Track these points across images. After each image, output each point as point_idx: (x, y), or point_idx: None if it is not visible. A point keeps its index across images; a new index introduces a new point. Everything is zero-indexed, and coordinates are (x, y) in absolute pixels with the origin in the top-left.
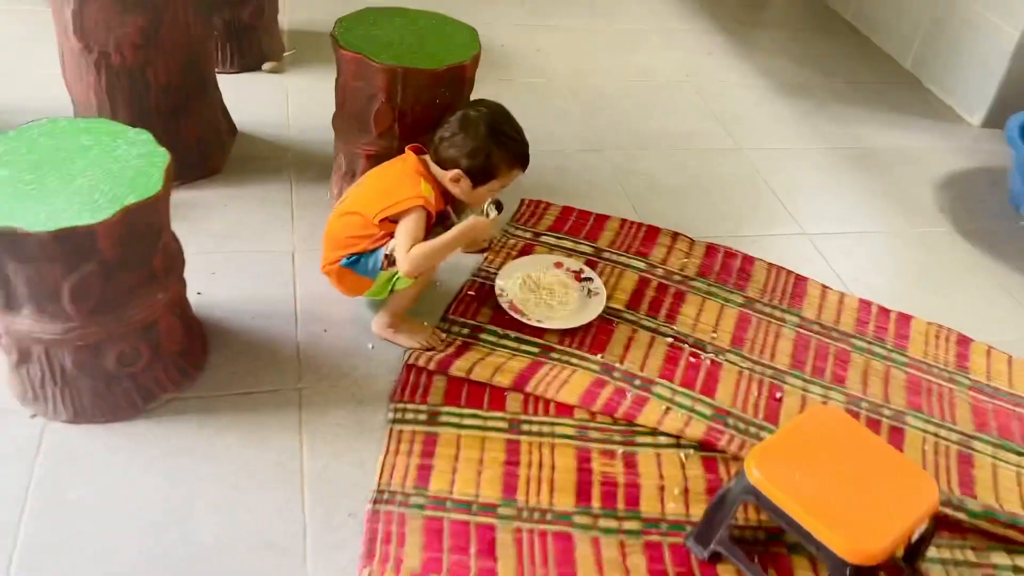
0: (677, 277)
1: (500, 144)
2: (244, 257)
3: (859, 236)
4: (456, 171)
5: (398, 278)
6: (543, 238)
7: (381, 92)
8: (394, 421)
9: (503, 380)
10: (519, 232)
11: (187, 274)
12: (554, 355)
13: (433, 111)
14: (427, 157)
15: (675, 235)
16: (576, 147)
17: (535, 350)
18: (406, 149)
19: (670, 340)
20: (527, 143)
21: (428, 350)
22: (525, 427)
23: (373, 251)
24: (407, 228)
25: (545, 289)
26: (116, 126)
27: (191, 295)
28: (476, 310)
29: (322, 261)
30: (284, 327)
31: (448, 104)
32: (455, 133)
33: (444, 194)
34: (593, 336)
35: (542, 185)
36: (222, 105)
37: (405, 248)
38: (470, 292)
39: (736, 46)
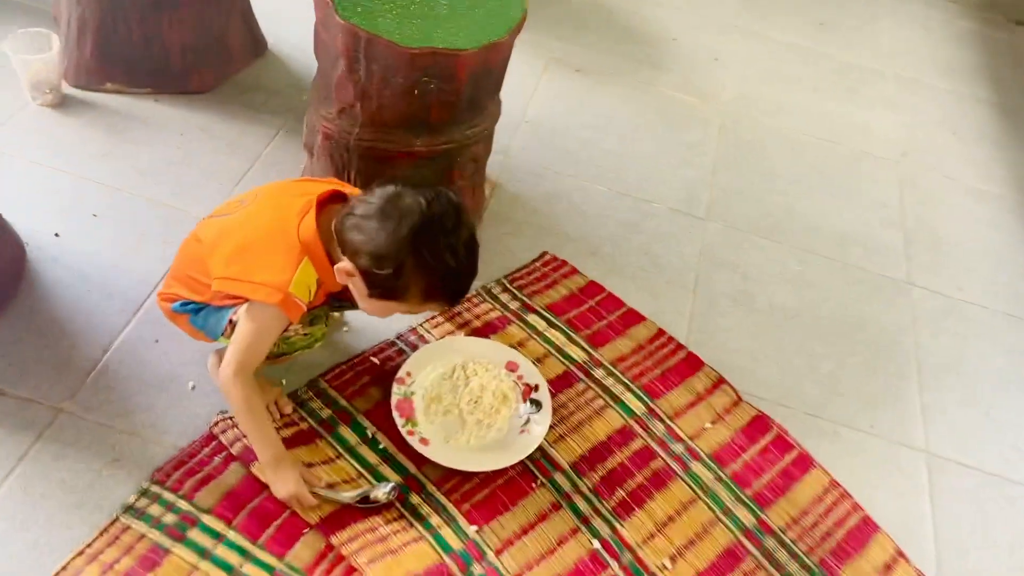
0: (679, 447)
1: (420, 263)
2: (145, 207)
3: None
4: (349, 265)
5: None
6: (531, 318)
7: (341, 57)
8: (129, 509)
9: (310, 513)
10: (503, 296)
11: (64, 206)
12: (412, 499)
13: (411, 104)
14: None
15: (719, 382)
16: (672, 203)
17: (395, 479)
18: (316, 197)
19: (596, 545)
20: (465, 275)
21: None
22: None
23: (218, 309)
24: (245, 334)
25: (471, 394)
26: None
27: (47, 235)
28: (362, 389)
29: (162, 285)
30: (112, 316)
31: (437, 100)
32: (368, 215)
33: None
34: (491, 493)
35: (587, 239)
36: (245, 12)
37: (232, 363)
38: (373, 358)
39: (1004, 131)
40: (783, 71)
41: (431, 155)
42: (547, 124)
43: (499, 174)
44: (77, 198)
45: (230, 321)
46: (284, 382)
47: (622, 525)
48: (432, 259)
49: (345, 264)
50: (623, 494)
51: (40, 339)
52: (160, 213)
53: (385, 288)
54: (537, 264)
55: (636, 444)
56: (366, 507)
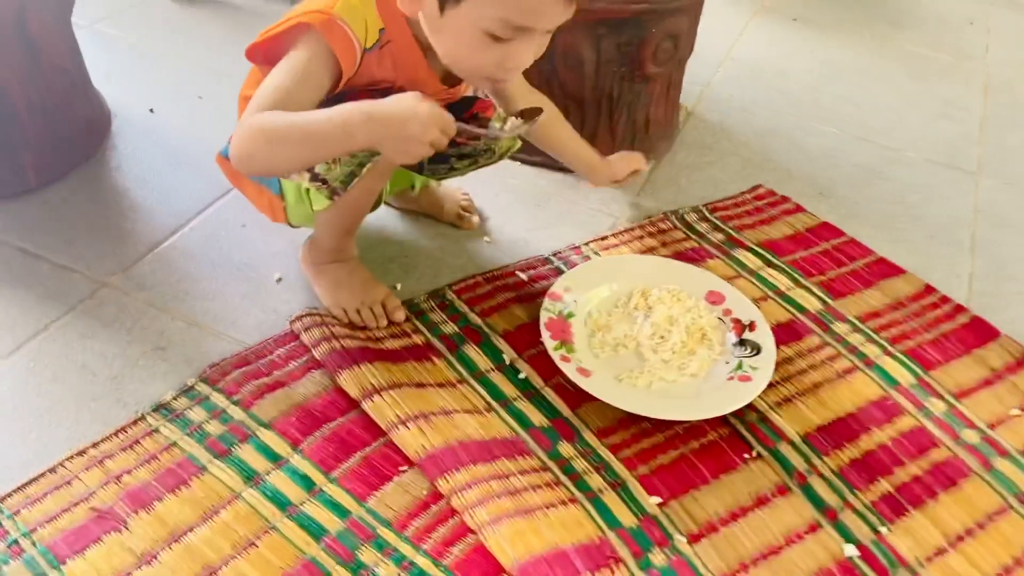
0: (972, 435)
1: None
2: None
3: None
4: None
5: (307, 191)
6: (739, 253)
7: None
8: (161, 408)
9: (409, 443)
10: (700, 224)
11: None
12: (563, 450)
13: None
14: None
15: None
16: (929, 155)
17: (539, 423)
18: None
19: (851, 552)
20: None
21: (347, 326)
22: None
23: None
24: (272, 75)
25: (654, 328)
26: None
27: (141, 110)
28: (501, 305)
29: None
30: (196, 195)
31: None
32: None
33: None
34: (679, 457)
35: (815, 178)
36: None
37: (251, 107)
38: (520, 273)
39: None
40: None
41: (618, 18)
42: (758, 64)
43: (695, 104)
44: (183, 80)
45: None
46: (399, 286)
47: (890, 530)
48: None
49: None
50: (889, 487)
51: (102, 208)
52: None
53: None
54: (748, 196)
55: (904, 423)
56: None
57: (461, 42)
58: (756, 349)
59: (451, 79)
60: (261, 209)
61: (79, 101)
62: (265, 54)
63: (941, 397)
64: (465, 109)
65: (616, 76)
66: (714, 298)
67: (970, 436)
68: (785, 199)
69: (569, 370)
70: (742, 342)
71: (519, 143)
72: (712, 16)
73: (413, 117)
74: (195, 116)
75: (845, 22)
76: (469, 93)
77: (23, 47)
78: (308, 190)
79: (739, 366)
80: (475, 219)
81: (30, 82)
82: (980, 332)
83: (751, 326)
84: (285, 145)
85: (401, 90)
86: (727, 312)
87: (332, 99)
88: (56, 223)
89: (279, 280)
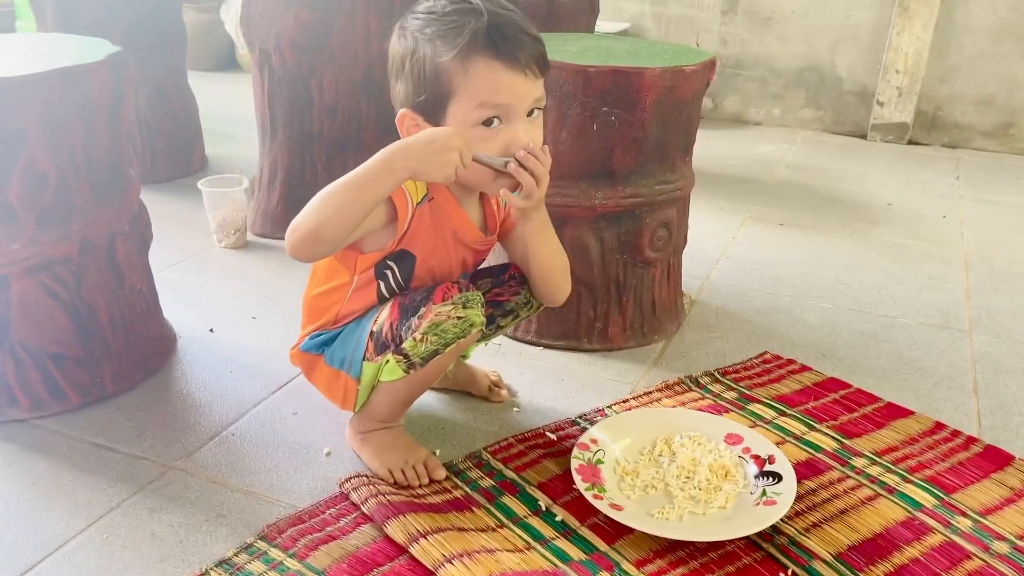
0: (1003, 547)
1: (428, 24)
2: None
3: None
4: (400, 112)
5: (387, 363)
6: (754, 407)
7: None
8: (223, 564)
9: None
10: (714, 386)
11: (224, 311)
12: None
13: (590, 144)
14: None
15: None
16: (922, 319)
17: (578, 557)
18: None
19: None
20: (490, 12)
21: (393, 484)
22: None
23: (355, 326)
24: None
25: (679, 470)
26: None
27: (203, 330)
28: (533, 461)
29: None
30: (252, 392)
31: (619, 138)
32: (389, 60)
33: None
34: None
35: (817, 344)
36: None
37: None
38: (550, 434)
39: None
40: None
41: (615, 211)
42: (751, 258)
43: (698, 293)
44: (239, 306)
45: (371, 334)
46: (438, 452)
47: None
48: (432, 14)
49: (399, 115)
50: None
51: (169, 407)
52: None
53: (428, 90)
54: (756, 361)
55: (933, 539)
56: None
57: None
58: (778, 477)
59: (488, 226)
60: (332, 397)
61: (152, 321)
62: None
63: (966, 515)
64: (503, 272)
65: (620, 262)
66: (733, 440)
67: (1001, 547)
68: (791, 361)
69: (603, 506)
70: (763, 473)
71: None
72: (705, 223)
73: (438, 135)
74: (250, 333)
75: (827, 224)
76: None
77: (111, 271)
78: (383, 364)
79: (763, 493)
80: (504, 392)
81: (114, 302)
82: (996, 458)
83: (770, 459)
84: (334, 197)
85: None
86: (746, 450)
87: (391, 256)
88: (128, 421)
89: (328, 454)
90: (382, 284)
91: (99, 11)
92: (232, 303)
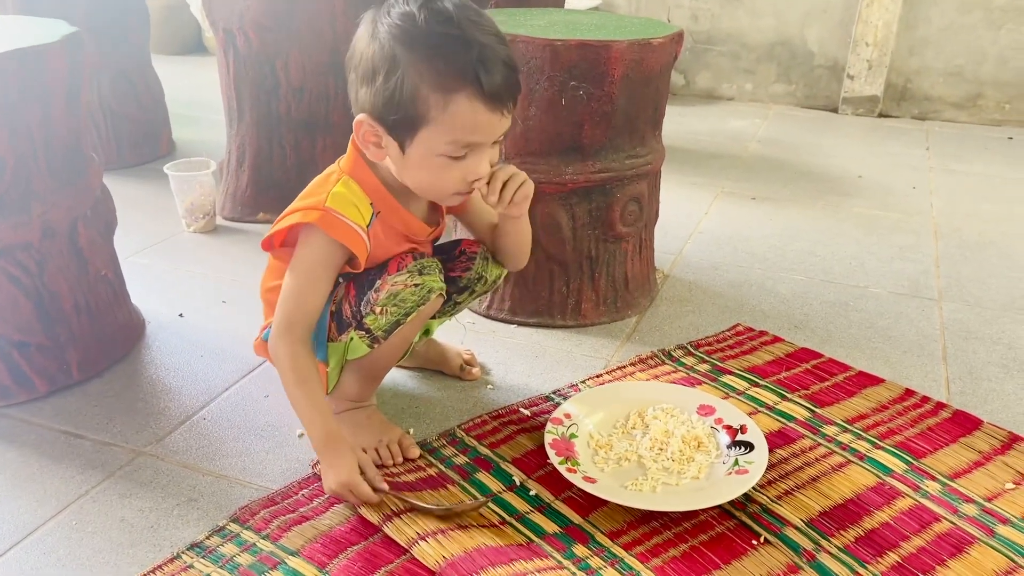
0: (971, 508)
1: (406, 41)
2: None
3: None
4: (360, 117)
5: (351, 341)
6: (726, 378)
7: None
8: (195, 547)
9: (429, 556)
10: (687, 359)
11: (194, 295)
12: (577, 550)
13: (558, 119)
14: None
15: (1012, 440)
16: (892, 289)
17: (552, 531)
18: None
19: None
20: (470, 38)
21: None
22: None
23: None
24: (289, 280)
25: (652, 441)
26: None
27: (172, 315)
28: (507, 438)
29: None
30: (222, 376)
31: (588, 113)
32: (351, 54)
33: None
34: (690, 549)
35: (789, 315)
36: None
37: (278, 321)
38: (523, 410)
39: None
40: (1001, 193)
41: (586, 186)
42: (724, 233)
43: (671, 268)
44: (208, 290)
45: (331, 316)
46: (411, 431)
47: None
48: (435, 36)
49: (357, 119)
50: (897, 558)
51: (138, 392)
52: None
53: (400, 111)
54: (728, 333)
55: (903, 503)
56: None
57: (426, 170)
58: (750, 447)
59: (432, 218)
60: None
61: (119, 307)
62: (279, 243)
63: (935, 479)
64: (453, 248)
65: (592, 238)
66: (705, 411)
67: (969, 509)
68: (763, 332)
69: (576, 480)
70: (735, 443)
71: (506, 270)
72: (678, 199)
73: (336, 479)
74: (220, 318)
75: (799, 197)
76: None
77: (74, 257)
78: (348, 342)
79: (735, 463)
80: (476, 370)
81: (78, 288)
82: (964, 423)
83: (742, 429)
84: (290, 394)
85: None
86: (718, 421)
87: (357, 275)
88: (96, 408)
89: (300, 435)
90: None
91: None
92: (202, 288)
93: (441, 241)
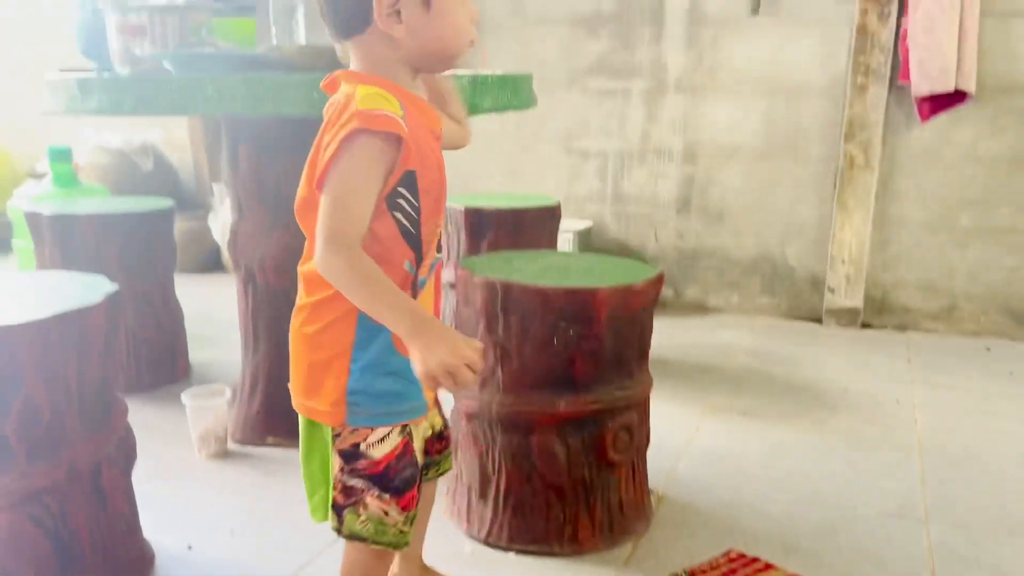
0: None
1: None
2: (288, 529)
3: None
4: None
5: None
6: None
7: (480, 318)
8: None
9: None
10: None
11: (202, 526)
12: None
13: (552, 356)
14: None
15: None
16: (880, 509)
17: None
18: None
19: None
20: None
21: None
22: None
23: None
24: (333, 187)
25: None
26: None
27: (181, 548)
28: None
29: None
30: None
31: (579, 351)
32: None
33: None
34: None
35: (781, 537)
36: None
37: (323, 234)
38: None
39: None
40: (983, 407)
41: (579, 417)
42: (715, 451)
43: (665, 487)
44: (217, 520)
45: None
46: None
47: None
48: None
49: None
50: None
51: None
52: (301, 533)
53: None
54: (722, 560)
55: None
56: None
57: (451, 15)
58: None
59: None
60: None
61: (131, 541)
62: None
63: None
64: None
65: (586, 465)
66: None
67: None
68: (756, 559)
69: None
70: None
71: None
72: (670, 415)
73: (436, 359)
74: (228, 550)
75: (786, 412)
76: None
77: (95, 496)
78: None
79: None
80: None
81: (96, 526)
82: None
83: None
84: (361, 297)
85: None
86: None
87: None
88: None
89: None
90: (399, 215)
91: (94, 231)
92: (211, 517)
93: None
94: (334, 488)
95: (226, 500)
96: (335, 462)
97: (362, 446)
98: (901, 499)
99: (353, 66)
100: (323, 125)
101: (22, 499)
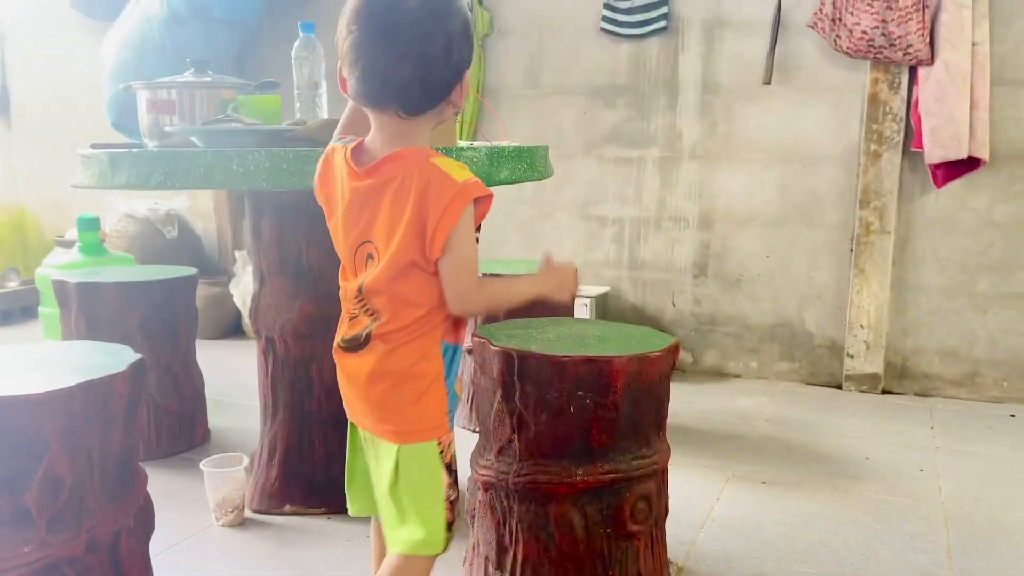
0: None
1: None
2: None
3: None
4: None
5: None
6: None
7: (498, 387)
8: None
9: None
10: None
11: None
12: None
13: (568, 425)
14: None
15: None
16: None
17: None
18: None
19: None
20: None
21: None
22: None
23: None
24: (455, 255)
25: None
26: None
27: None
28: None
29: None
30: None
31: (595, 419)
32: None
33: None
34: None
35: None
36: None
37: (468, 290)
38: None
39: None
40: (1008, 476)
41: (596, 487)
42: (736, 521)
43: (685, 559)
44: None
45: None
46: None
47: None
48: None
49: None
50: None
51: None
52: None
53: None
54: None
55: None
56: None
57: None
58: None
59: None
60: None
61: None
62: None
63: None
64: None
65: (603, 536)
66: None
67: None
68: None
69: None
70: None
71: None
72: (691, 483)
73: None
74: None
75: (808, 481)
76: None
77: (112, 568)
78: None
79: None
80: None
81: None
82: None
83: None
84: (498, 301)
85: None
86: None
87: None
88: None
89: None
90: None
91: (119, 299)
92: None
93: None
94: (445, 508)
95: (243, 570)
96: (444, 479)
97: (448, 457)
98: (926, 572)
99: (393, 141)
100: (412, 197)
101: (40, 570)
